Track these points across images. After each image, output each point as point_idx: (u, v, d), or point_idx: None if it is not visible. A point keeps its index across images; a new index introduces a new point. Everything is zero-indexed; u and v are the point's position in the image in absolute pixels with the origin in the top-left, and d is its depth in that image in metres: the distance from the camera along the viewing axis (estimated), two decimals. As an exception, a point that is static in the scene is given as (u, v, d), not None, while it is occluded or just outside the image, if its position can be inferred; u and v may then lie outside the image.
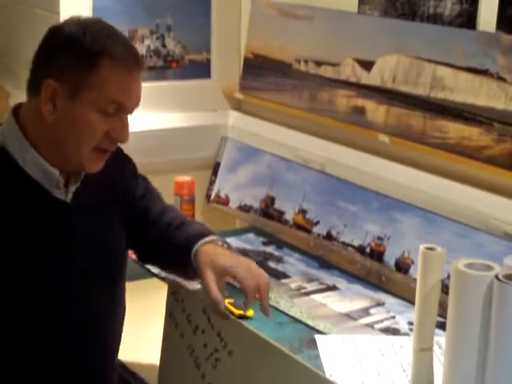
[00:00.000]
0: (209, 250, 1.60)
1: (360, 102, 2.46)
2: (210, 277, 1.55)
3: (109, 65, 1.50)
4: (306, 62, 2.65)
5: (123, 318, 1.74)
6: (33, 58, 1.56)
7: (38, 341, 1.57)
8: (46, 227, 1.56)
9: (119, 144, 1.62)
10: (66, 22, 1.55)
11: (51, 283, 1.57)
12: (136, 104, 1.57)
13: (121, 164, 1.74)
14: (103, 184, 1.67)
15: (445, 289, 1.62)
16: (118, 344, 1.74)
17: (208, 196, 2.92)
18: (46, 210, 1.56)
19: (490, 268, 1.50)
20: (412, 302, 1.84)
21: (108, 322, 1.68)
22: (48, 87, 1.50)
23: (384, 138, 2.36)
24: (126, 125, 1.56)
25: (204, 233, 1.66)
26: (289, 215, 2.63)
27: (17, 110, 1.59)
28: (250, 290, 1.54)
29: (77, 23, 1.54)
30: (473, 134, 2.13)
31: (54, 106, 1.51)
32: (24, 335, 1.56)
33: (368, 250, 2.36)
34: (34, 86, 1.54)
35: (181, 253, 1.65)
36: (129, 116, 1.58)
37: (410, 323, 2.03)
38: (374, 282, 2.31)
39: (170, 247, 1.70)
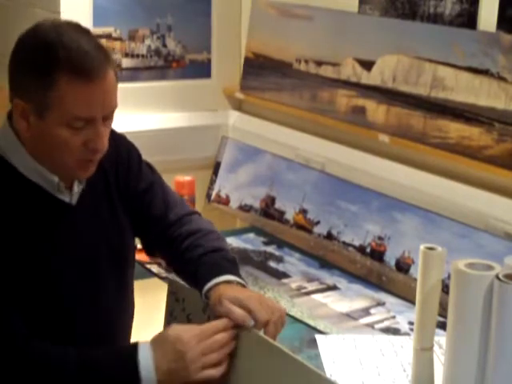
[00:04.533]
0: (222, 288, 1.55)
1: (360, 101, 2.46)
2: (227, 302, 1.50)
3: (65, 80, 1.43)
4: (306, 61, 2.65)
5: (133, 314, 1.75)
6: (9, 63, 1.51)
7: (49, 338, 1.57)
8: (52, 230, 1.55)
9: (115, 138, 1.60)
10: (34, 29, 1.49)
11: (62, 283, 1.56)
12: (108, 110, 1.49)
13: (124, 157, 1.71)
14: (108, 179, 1.66)
15: (445, 289, 1.62)
16: (128, 340, 1.74)
17: (208, 196, 2.92)
18: (51, 212, 1.55)
19: (490, 268, 1.49)
20: (412, 302, 1.84)
21: (118, 319, 1.69)
22: (17, 106, 1.48)
23: (384, 138, 2.36)
24: (100, 135, 1.48)
25: (218, 269, 1.60)
26: (289, 215, 2.63)
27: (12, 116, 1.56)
28: (261, 323, 1.50)
29: (37, 33, 1.49)
30: (473, 134, 2.13)
31: (27, 123, 1.49)
32: (34, 333, 1.56)
33: (368, 249, 2.36)
34: (11, 99, 1.51)
35: (189, 276, 1.63)
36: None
37: (411, 323, 2.03)
38: (374, 281, 2.31)
39: (178, 263, 1.68)
